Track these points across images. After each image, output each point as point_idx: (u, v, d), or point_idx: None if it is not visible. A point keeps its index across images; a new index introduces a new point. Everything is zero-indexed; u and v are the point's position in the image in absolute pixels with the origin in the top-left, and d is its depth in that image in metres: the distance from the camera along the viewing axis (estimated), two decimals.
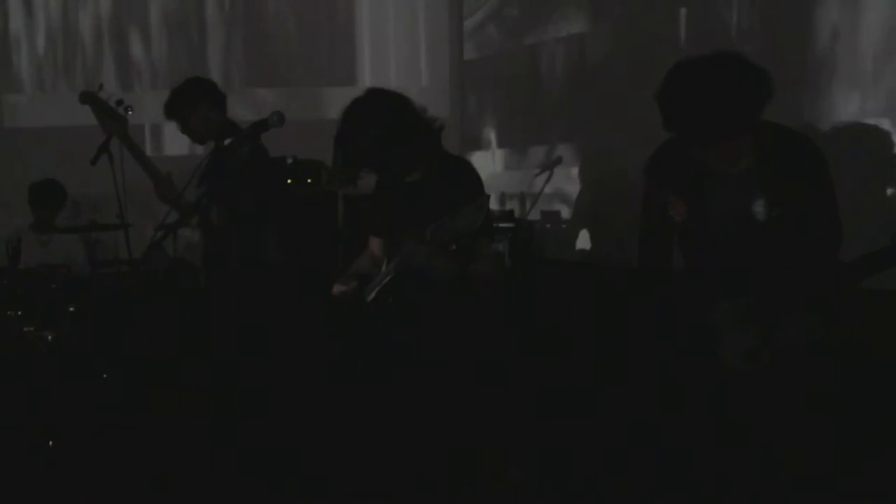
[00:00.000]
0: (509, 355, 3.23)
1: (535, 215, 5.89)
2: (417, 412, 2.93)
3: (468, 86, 6.85)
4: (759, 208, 2.56)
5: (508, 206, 6.06)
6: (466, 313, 3.00)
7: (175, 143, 6.05)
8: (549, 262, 5.55)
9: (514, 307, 3.76)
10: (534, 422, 3.55)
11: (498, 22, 6.44)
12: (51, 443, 3.74)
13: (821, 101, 3.86)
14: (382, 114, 3.00)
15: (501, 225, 5.47)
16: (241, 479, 3.33)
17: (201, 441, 3.62)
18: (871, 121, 3.63)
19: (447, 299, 2.98)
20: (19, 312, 4.52)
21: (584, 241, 5.55)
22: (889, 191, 3.58)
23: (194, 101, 4.07)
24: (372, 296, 3.03)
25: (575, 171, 5.65)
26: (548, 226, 5.79)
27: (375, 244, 3.31)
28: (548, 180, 5.78)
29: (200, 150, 4.34)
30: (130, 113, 4.15)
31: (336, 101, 3.15)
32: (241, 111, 4.24)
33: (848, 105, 3.74)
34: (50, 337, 4.48)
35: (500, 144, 6.46)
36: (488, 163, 6.44)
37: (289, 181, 4.72)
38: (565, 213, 5.74)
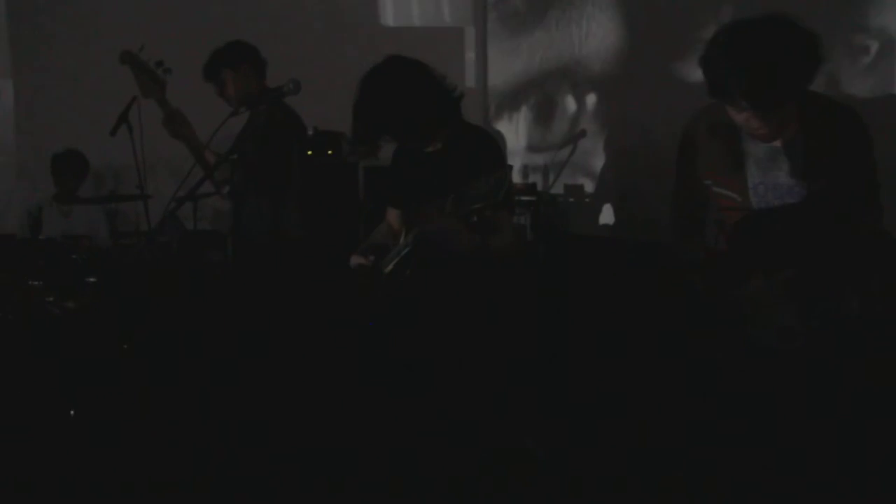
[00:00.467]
0: (530, 330, 3.19)
1: (558, 188, 5.83)
2: (435, 389, 2.89)
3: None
4: (800, 180, 2.48)
5: (531, 179, 6.01)
6: (486, 286, 2.95)
7: None
8: (572, 236, 5.50)
9: (536, 281, 3.71)
10: (555, 397, 3.50)
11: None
12: (72, 412, 3.74)
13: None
14: (402, 82, 2.94)
15: (524, 198, 5.42)
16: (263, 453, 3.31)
17: (221, 417, 3.60)
18: None
19: (467, 272, 2.93)
20: (40, 282, 4.52)
21: (607, 215, 5.49)
22: None
23: (234, 65, 4.02)
24: (389, 268, 2.99)
25: (599, 144, 5.58)
26: (571, 199, 5.73)
27: (393, 215, 3.27)
28: (571, 153, 5.72)
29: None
30: (170, 75, 4.11)
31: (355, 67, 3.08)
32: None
33: None
34: (71, 307, 4.48)
35: (523, 116, 6.39)
36: (511, 134, 6.37)
37: (309, 153, 4.68)
38: (589, 186, 5.67)
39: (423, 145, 3.07)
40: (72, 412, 3.73)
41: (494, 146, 3.06)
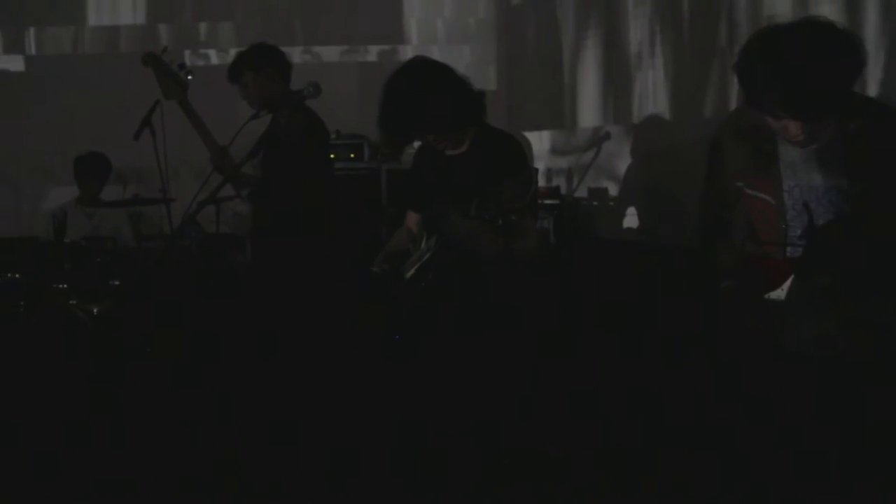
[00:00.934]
0: (554, 333, 3.16)
1: (582, 192, 5.79)
2: (457, 391, 2.87)
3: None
4: (836, 183, 2.40)
5: (555, 183, 5.97)
6: (510, 292, 2.92)
7: None
8: (596, 240, 5.45)
9: (559, 285, 3.68)
10: (578, 401, 3.47)
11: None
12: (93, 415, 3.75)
13: None
14: (426, 83, 2.93)
15: (547, 202, 5.38)
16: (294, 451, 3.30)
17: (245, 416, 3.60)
18: None
19: (491, 277, 2.90)
20: (65, 286, 4.55)
21: (632, 218, 5.44)
22: None
23: (257, 68, 4.02)
24: (411, 273, 2.97)
25: (624, 147, 5.53)
26: (595, 203, 5.69)
27: (413, 220, 3.25)
28: (595, 156, 5.68)
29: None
30: (191, 77, 4.11)
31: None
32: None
33: None
34: (95, 311, 4.50)
35: (547, 121, 6.36)
36: (534, 137, 6.34)
37: (332, 156, 4.69)
38: (613, 189, 5.63)
39: (446, 148, 3.05)
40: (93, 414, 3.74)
41: (518, 149, 3.04)
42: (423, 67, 2.99)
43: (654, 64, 5.25)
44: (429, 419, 2.95)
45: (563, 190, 5.83)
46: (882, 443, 2.38)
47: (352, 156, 5.52)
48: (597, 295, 4.44)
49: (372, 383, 3.10)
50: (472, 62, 6.74)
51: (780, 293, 2.45)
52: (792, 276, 2.45)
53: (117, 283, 4.63)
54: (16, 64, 6.85)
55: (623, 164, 5.54)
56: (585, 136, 5.87)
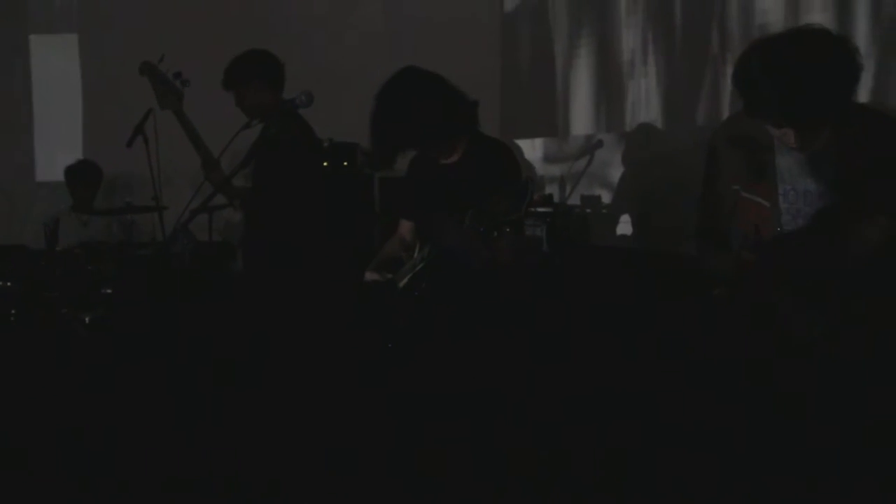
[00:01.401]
0: (549, 342, 3.16)
1: (575, 199, 5.80)
2: (450, 400, 2.87)
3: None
4: (831, 187, 2.41)
5: (548, 190, 5.97)
6: (501, 300, 2.93)
7: None
8: (589, 247, 5.46)
9: (551, 292, 3.68)
10: (569, 403, 3.47)
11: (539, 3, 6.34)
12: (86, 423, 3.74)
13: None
14: (418, 94, 2.93)
15: (540, 209, 5.38)
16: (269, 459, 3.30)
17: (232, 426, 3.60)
18: None
19: (483, 286, 2.90)
20: (56, 294, 4.53)
21: (625, 225, 5.45)
22: None
23: (247, 79, 4.01)
24: (404, 281, 2.97)
25: (616, 154, 5.55)
26: (588, 210, 5.69)
27: (406, 228, 3.25)
28: (588, 164, 5.69)
29: None
30: (187, 87, 4.11)
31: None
32: None
33: None
34: (87, 319, 4.48)
35: (540, 128, 6.37)
36: (527, 145, 6.35)
37: (325, 163, 4.69)
38: (606, 197, 5.64)
39: (439, 157, 3.05)
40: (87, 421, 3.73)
41: (512, 159, 3.04)
42: (414, 79, 2.98)
43: (647, 72, 5.27)
44: (425, 423, 2.95)
45: (556, 197, 5.83)
46: (881, 442, 2.39)
47: (345, 163, 5.52)
48: (590, 302, 4.44)
49: (365, 390, 3.10)
50: (465, 70, 6.74)
51: (778, 296, 2.47)
52: (788, 279, 2.47)
53: (109, 291, 4.62)
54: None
55: (616, 171, 5.56)
56: (578, 143, 5.88)
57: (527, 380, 2.99)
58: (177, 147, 4.12)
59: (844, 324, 2.38)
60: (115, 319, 4.47)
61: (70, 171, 5.59)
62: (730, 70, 2.46)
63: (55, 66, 6.84)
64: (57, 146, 6.37)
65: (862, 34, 3.71)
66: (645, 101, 5.27)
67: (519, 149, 6.13)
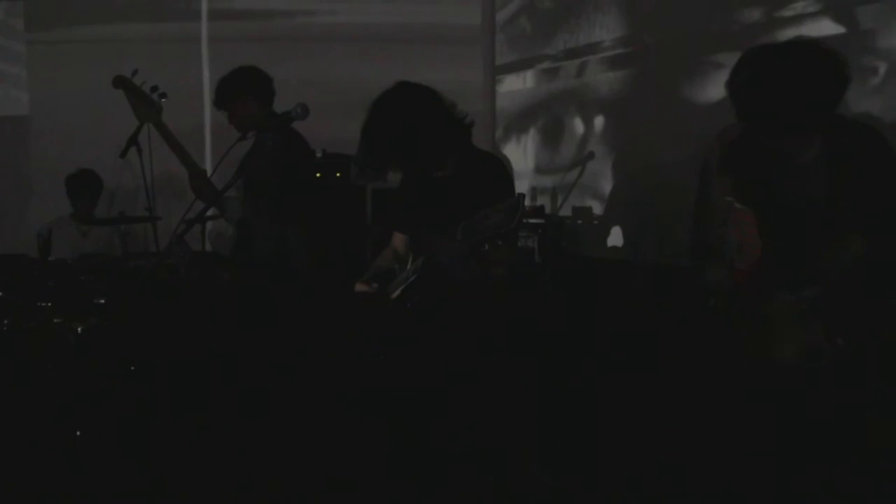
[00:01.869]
0: (535, 354, 3.18)
1: (566, 211, 5.83)
2: (441, 412, 2.88)
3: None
4: (824, 198, 2.47)
5: (539, 202, 6.00)
6: (492, 313, 2.94)
7: None
8: (580, 258, 5.48)
9: (543, 304, 3.71)
10: (561, 421, 3.49)
11: (530, 15, 6.37)
12: (78, 433, 3.74)
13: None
14: (411, 106, 2.95)
15: (532, 220, 5.41)
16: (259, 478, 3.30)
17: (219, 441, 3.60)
18: None
19: (473, 300, 2.92)
20: (49, 304, 4.53)
21: (616, 237, 5.48)
22: None
23: (237, 94, 4.04)
24: (397, 293, 2.98)
25: (607, 166, 5.58)
26: (580, 221, 5.72)
27: (399, 240, 3.27)
28: (580, 175, 5.72)
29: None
30: (165, 100, 4.12)
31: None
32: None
33: None
34: (79, 329, 4.48)
35: (531, 139, 6.39)
36: (519, 156, 6.38)
37: (318, 175, 4.70)
38: (598, 208, 5.67)
39: (430, 171, 3.07)
40: (77, 433, 3.73)
41: (504, 173, 3.06)
42: (408, 92, 3.00)
43: (637, 83, 5.30)
44: (417, 431, 2.96)
45: (548, 209, 5.86)
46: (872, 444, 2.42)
47: (337, 175, 5.54)
48: (582, 312, 4.46)
49: (355, 398, 3.11)
50: (456, 81, 6.77)
51: (771, 306, 2.50)
52: (782, 290, 2.50)
53: (102, 301, 4.61)
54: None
55: (607, 183, 5.59)
56: (570, 155, 5.91)
57: (519, 388, 3.00)
58: (171, 158, 4.13)
59: (827, 340, 2.43)
60: (108, 330, 4.46)
61: (71, 180, 5.60)
62: (723, 79, 2.52)
63: None
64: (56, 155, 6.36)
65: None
66: (635, 112, 5.30)
67: (508, 160, 6.16)
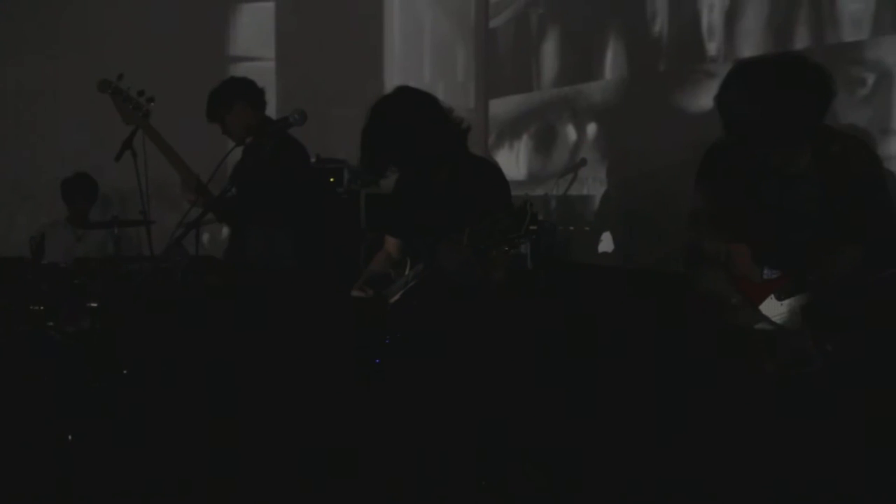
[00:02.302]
0: (533, 359, 3.20)
1: (558, 217, 5.85)
2: (441, 415, 2.89)
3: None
4: (814, 208, 2.51)
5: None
6: (492, 318, 2.96)
7: None
8: (573, 265, 5.50)
9: (536, 310, 3.72)
10: (557, 424, 3.51)
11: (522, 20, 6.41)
12: (69, 437, 3.73)
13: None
14: (409, 111, 2.97)
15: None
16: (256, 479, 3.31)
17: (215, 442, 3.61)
18: None
19: (476, 304, 2.93)
20: (42, 308, 4.53)
21: (607, 243, 5.51)
22: None
23: (229, 104, 4.04)
24: (396, 297, 2.99)
25: (599, 173, 5.61)
26: (572, 228, 5.75)
27: (392, 244, 3.28)
28: (572, 182, 5.75)
29: None
30: (152, 104, 4.12)
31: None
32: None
33: None
34: (71, 332, 4.48)
35: (524, 145, 6.43)
36: (511, 163, 6.40)
37: (332, 179, 4.72)
38: (589, 215, 5.70)
39: (426, 174, 3.09)
40: (69, 437, 3.73)
41: (500, 179, 3.08)
42: (406, 97, 3.03)
43: (630, 90, 5.34)
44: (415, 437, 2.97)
45: (540, 215, 5.87)
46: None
47: (331, 179, 5.55)
48: (574, 318, 4.48)
49: (353, 403, 3.12)
50: (451, 86, 6.81)
51: (762, 314, 2.53)
52: (769, 298, 2.53)
53: (94, 304, 4.61)
54: None
55: (599, 189, 5.62)
56: (562, 162, 5.94)
57: (513, 395, 3.01)
58: (166, 163, 4.14)
59: (816, 348, 2.46)
60: (100, 333, 4.47)
61: (66, 184, 5.59)
62: (715, 87, 2.56)
63: None
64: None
65: None
66: (628, 119, 5.33)
67: (500, 166, 6.18)
